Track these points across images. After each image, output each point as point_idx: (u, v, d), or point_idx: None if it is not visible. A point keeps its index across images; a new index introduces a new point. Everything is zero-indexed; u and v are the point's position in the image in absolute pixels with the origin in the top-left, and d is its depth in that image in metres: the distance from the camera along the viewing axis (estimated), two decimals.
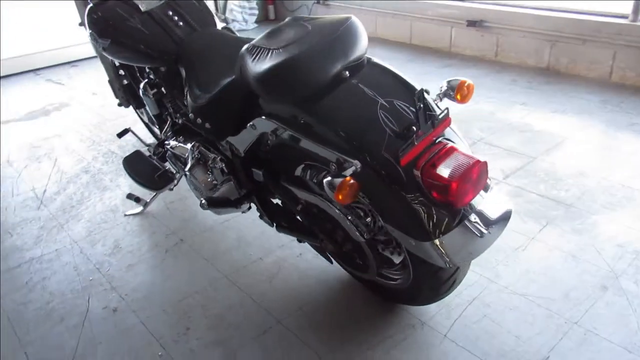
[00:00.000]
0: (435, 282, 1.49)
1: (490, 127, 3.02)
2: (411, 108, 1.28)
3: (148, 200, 2.44)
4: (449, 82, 1.39)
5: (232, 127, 1.62)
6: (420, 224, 1.25)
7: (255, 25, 5.92)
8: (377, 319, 1.73)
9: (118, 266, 2.08)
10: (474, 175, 1.21)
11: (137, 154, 2.38)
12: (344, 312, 1.77)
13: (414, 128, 1.23)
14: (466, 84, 1.37)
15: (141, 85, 2.16)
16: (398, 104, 1.28)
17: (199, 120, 1.71)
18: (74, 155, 3.08)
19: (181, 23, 1.98)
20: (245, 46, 1.46)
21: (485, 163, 1.23)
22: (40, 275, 2.07)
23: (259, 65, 1.35)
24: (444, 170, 1.20)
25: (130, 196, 2.43)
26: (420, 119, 1.24)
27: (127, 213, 2.43)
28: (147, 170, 2.29)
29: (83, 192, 2.67)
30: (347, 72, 1.33)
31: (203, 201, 1.77)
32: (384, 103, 1.28)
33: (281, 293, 1.88)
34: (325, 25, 1.40)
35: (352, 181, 1.21)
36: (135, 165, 2.34)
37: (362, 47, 1.38)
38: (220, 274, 1.99)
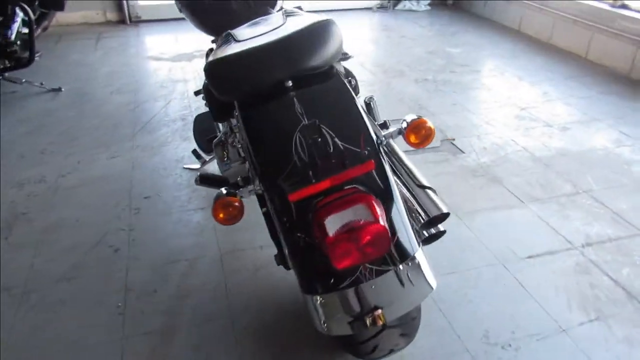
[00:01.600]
0: (349, 338, 1.28)
1: (608, 180, 2.43)
2: (335, 139, 1.07)
3: (207, 160, 2.53)
4: (405, 118, 1.13)
5: (219, 112, 1.57)
6: (302, 272, 1.07)
7: (428, 7, 5.60)
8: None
9: (146, 210, 2.23)
10: (363, 237, 0.97)
11: (207, 114, 2.47)
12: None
13: (318, 163, 1.03)
14: (426, 125, 1.10)
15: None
16: (324, 130, 1.09)
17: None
18: (185, 102, 3.34)
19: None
20: (225, 32, 1.37)
21: (385, 230, 0.98)
22: (88, 188, 2.33)
23: (214, 54, 1.27)
24: (330, 221, 1.00)
25: (194, 152, 2.55)
26: (335, 154, 1.04)
27: (185, 166, 2.57)
28: (208, 131, 2.37)
29: (168, 137, 2.89)
30: (289, 82, 1.16)
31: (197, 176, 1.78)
32: (307, 126, 1.09)
33: (258, 286, 1.82)
34: (296, 24, 1.24)
35: (236, 203, 1.08)
36: (201, 124, 2.44)
37: (323, 56, 1.18)
38: (221, 250, 2.00)
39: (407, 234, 1.10)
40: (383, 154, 1.11)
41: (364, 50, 4.35)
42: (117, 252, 2.00)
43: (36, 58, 3.40)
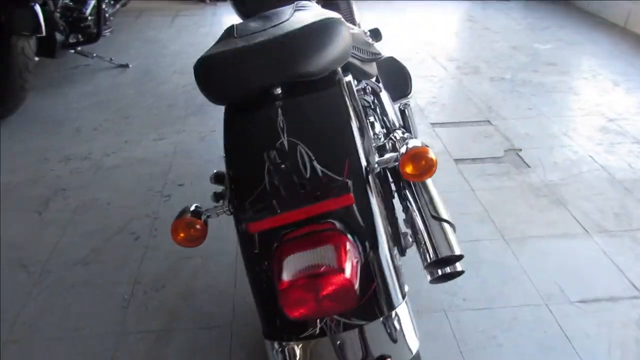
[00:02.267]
0: None
1: None
2: (315, 162, 0.90)
3: None
4: (407, 143, 0.93)
5: None
6: (262, 312, 0.93)
7: None
8: None
9: (176, 198, 2.19)
10: (324, 288, 0.80)
11: None
12: None
13: (288, 190, 0.87)
14: (427, 155, 0.90)
15: None
16: (303, 151, 0.92)
17: None
18: None
19: None
20: (230, 25, 1.23)
21: (351, 285, 0.80)
22: (127, 170, 2.33)
23: (208, 50, 1.13)
24: (290, 260, 0.84)
25: None
26: (310, 180, 0.88)
27: None
28: None
29: (218, 124, 2.84)
30: (278, 89, 0.99)
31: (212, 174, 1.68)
32: (285, 144, 0.92)
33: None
34: (299, 20, 1.07)
35: (197, 225, 0.95)
36: None
37: (321, 61, 0.99)
38: (237, 251, 1.91)
39: (389, 285, 0.91)
40: (372, 185, 0.93)
41: (439, 42, 4.04)
42: (137, 240, 1.97)
43: (107, 33, 3.49)
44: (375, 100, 1.79)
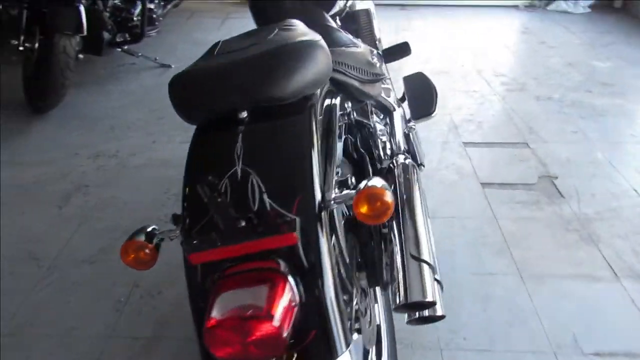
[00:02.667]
0: None
1: None
2: (264, 196, 0.85)
3: None
4: (366, 181, 0.85)
5: None
6: (201, 347, 0.88)
7: (588, 10, 4.80)
8: None
9: None
10: (251, 333, 0.74)
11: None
12: None
13: (225, 225, 0.82)
14: (384, 198, 0.82)
15: None
16: (254, 182, 0.86)
17: None
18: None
19: None
20: (217, 40, 1.19)
21: (277, 333, 0.74)
22: (149, 170, 2.37)
23: (189, 66, 1.10)
24: (222, 299, 0.78)
25: None
26: (257, 214, 0.82)
27: None
28: None
29: None
30: (244, 113, 0.95)
31: None
32: (238, 173, 0.88)
33: None
34: (276, 40, 1.02)
35: (147, 250, 0.92)
36: None
37: (291, 87, 0.93)
38: None
39: (332, 332, 0.84)
40: (324, 222, 0.86)
41: (488, 54, 3.85)
42: None
43: (153, 34, 3.58)
44: (387, 120, 1.71)
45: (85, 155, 2.59)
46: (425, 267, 1.05)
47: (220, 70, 0.97)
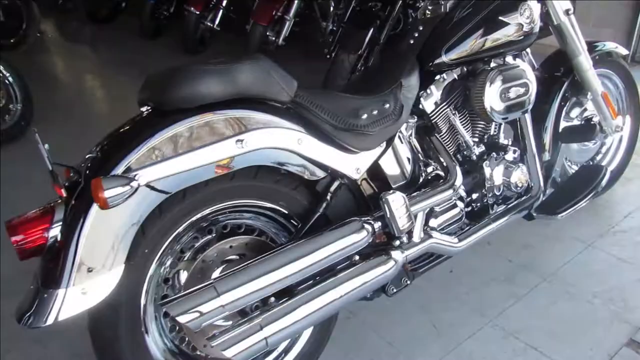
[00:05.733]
0: None
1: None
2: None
3: None
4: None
5: None
6: None
7: None
8: None
9: None
10: None
11: None
12: None
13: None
14: (100, 187, 1.01)
15: None
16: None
17: None
18: None
19: None
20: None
21: None
22: None
23: None
24: None
25: None
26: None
27: None
28: None
29: None
30: (150, 104, 1.24)
31: None
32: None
33: None
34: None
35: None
36: None
37: (194, 96, 1.17)
38: None
39: None
40: None
41: None
42: None
43: None
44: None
45: None
46: None
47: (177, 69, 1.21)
